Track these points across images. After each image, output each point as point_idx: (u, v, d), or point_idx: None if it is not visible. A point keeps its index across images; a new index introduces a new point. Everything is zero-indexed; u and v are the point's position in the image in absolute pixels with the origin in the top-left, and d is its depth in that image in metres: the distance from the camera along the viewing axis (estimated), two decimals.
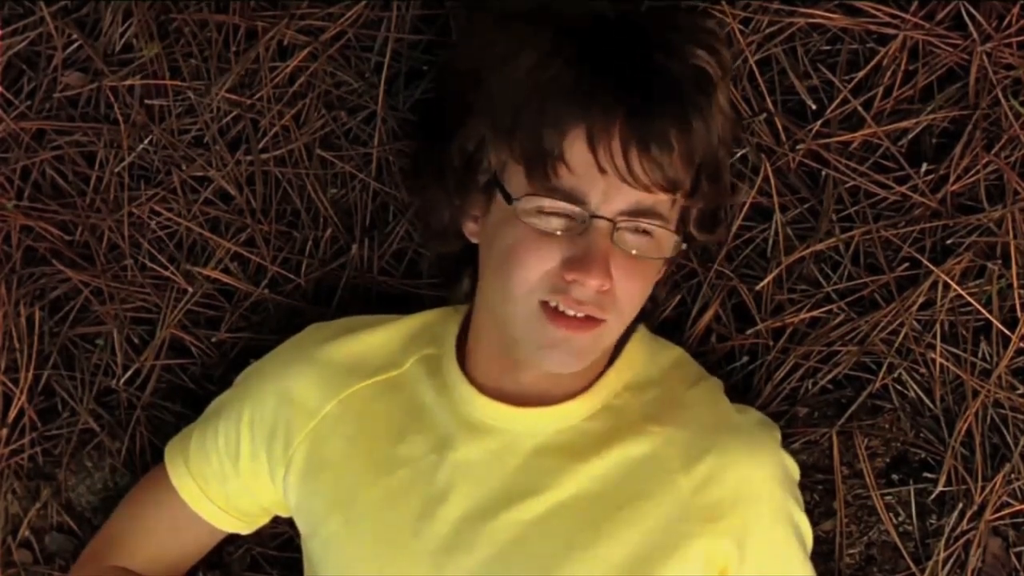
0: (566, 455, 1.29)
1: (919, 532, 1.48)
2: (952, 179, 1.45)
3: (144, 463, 1.54)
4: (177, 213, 1.52)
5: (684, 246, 1.27)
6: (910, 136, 1.47)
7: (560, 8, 1.26)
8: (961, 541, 1.46)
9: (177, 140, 1.51)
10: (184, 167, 1.52)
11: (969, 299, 1.45)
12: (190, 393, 1.54)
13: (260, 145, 1.51)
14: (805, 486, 1.42)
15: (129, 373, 1.54)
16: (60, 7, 1.51)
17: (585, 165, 1.20)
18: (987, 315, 1.45)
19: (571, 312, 1.22)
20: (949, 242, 1.46)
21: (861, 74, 1.46)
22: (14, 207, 1.52)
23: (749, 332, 1.48)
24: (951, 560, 1.46)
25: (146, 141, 1.52)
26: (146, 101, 1.51)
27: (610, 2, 1.28)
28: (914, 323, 1.46)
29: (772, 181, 1.46)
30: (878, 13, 1.44)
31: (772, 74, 1.46)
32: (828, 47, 1.47)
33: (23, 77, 1.52)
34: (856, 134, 1.46)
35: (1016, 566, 1.47)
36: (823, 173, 1.47)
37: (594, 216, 1.20)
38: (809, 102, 1.46)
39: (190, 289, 1.53)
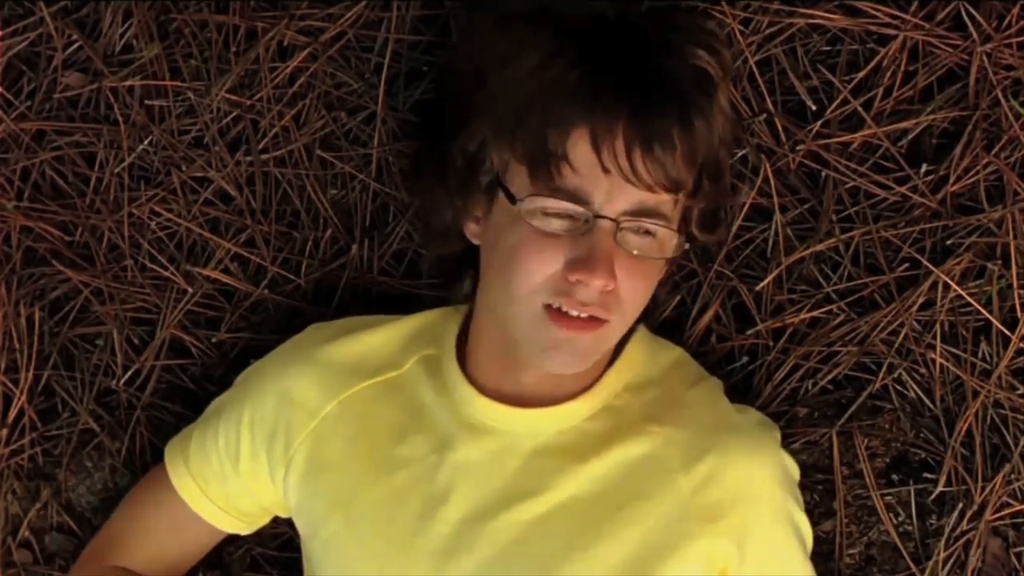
0: (566, 456, 1.29)
1: (919, 532, 1.48)
2: (952, 179, 1.45)
3: (144, 463, 1.54)
4: (177, 214, 1.52)
5: (687, 246, 1.27)
6: (910, 136, 1.47)
7: (561, 8, 1.26)
8: (961, 541, 1.46)
9: (177, 140, 1.51)
10: (184, 167, 1.52)
11: (969, 299, 1.45)
12: (190, 393, 1.54)
13: (260, 145, 1.51)
14: (805, 486, 1.42)
15: (129, 373, 1.54)
16: (60, 7, 1.51)
17: (589, 165, 1.20)
18: (987, 315, 1.45)
19: (574, 313, 1.22)
20: (949, 242, 1.46)
21: (861, 74, 1.46)
22: (14, 207, 1.52)
23: (749, 332, 1.48)
24: (951, 560, 1.46)
25: (146, 141, 1.52)
26: (146, 101, 1.51)
27: (610, 2, 1.28)
28: (914, 323, 1.46)
29: (772, 181, 1.46)
30: (878, 13, 1.44)
31: (772, 74, 1.46)
32: (828, 47, 1.47)
33: (23, 77, 1.52)
34: (856, 134, 1.46)
35: (1016, 566, 1.47)
36: (823, 173, 1.47)
37: (598, 216, 1.20)
38: (809, 102, 1.46)
39: (190, 289, 1.53)
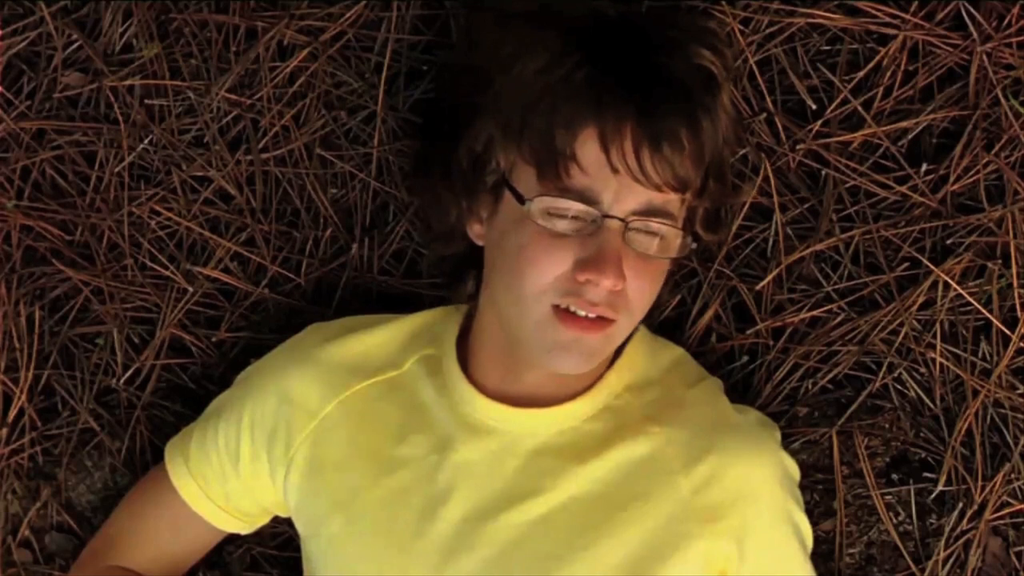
0: (566, 456, 1.29)
1: (919, 532, 1.48)
2: (952, 179, 1.45)
3: (144, 463, 1.54)
4: (177, 213, 1.52)
5: (693, 245, 1.27)
6: (910, 136, 1.47)
7: (564, 8, 1.26)
8: (961, 541, 1.46)
9: (177, 140, 1.51)
10: (184, 167, 1.52)
11: (969, 299, 1.45)
12: (190, 393, 1.54)
13: (260, 145, 1.51)
14: (805, 486, 1.42)
15: (129, 373, 1.54)
16: (60, 7, 1.51)
17: (597, 165, 1.20)
18: (987, 315, 1.45)
19: (582, 313, 1.22)
20: (949, 242, 1.46)
21: (861, 74, 1.46)
22: (14, 207, 1.52)
23: (749, 332, 1.48)
24: (951, 560, 1.46)
25: (146, 141, 1.52)
26: (146, 101, 1.51)
27: (611, 2, 1.28)
28: (914, 323, 1.46)
29: (772, 181, 1.46)
30: (878, 13, 1.44)
31: (772, 74, 1.46)
32: (828, 47, 1.47)
33: (23, 77, 1.52)
34: (856, 134, 1.46)
35: (1016, 566, 1.47)
36: (823, 173, 1.47)
37: (606, 216, 1.20)
38: (809, 102, 1.46)
39: (190, 289, 1.53)
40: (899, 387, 1.48)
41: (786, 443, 1.41)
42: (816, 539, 1.37)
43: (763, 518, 1.29)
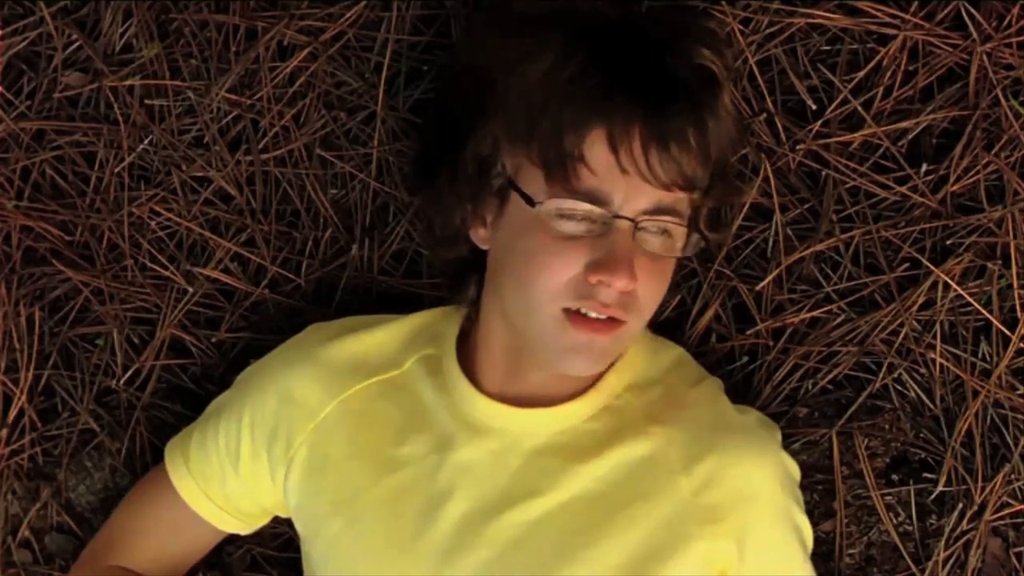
0: (567, 456, 1.29)
1: (919, 532, 1.48)
2: (952, 179, 1.45)
3: (144, 463, 1.54)
4: (177, 213, 1.52)
5: (703, 244, 1.28)
6: (910, 136, 1.47)
7: (566, 9, 1.26)
8: (961, 541, 1.46)
9: (177, 140, 1.51)
10: (184, 167, 1.52)
11: (969, 299, 1.45)
12: (190, 393, 1.54)
13: (260, 145, 1.51)
14: (805, 486, 1.42)
15: (129, 373, 1.54)
16: (60, 7, 1.51)
17: (606, 166, 1.20)
18: (987, 315, 1.45)
19: (593, 315, 1.22)
20: (949, 242, 1.46)
21: (861, 74, 1.46)
22: (14, 207, 1.52)
23: (749, 332, 1.48)
24: (951, 560, 1.46)
25: (146, 141, 1.52)
26: (146, 101, 1.51)
27: (611, 3, 1.28)
28: (914, 323, 1.46)
29: (772, 181, 1.46)
30: (878, 13, 1.44)
31: (772, 74, 1.46)
32: (828, 47, 1.47)
33: (23, 77, 1.52)
34: (856, 134, 1.46)
35: (1016, 566, 1.47)
36: (823, 173, 1.47)
37: (617, 216, 1.20)
38: (809, 102, 1.46)
39: (190, 289, 1.53)
40: (899, 388, 1.48)
41: (786, 444, 1.41)
42: (816, 539, 1.37)
43: (764, 519, 1.28)
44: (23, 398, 1.53)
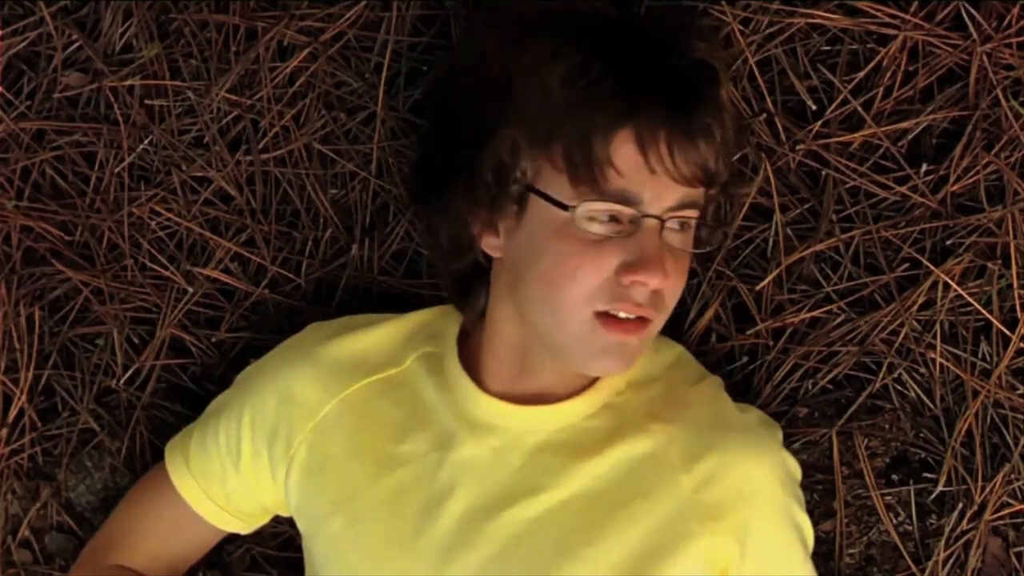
0: (568, 453, 1.29)
1: (919, 532, 1.48)
2: (952, 179, 1.45)
3: (144, 463, 1.54)
4: (177, 213, 1.52)
5: (725, 236, 1.28)
6: (910, 136, 1.47)
7: (571, 11, 1.26)
8: (961, 541, 1.46)
9: (177, 140, 1.51)
10: (184, 167, 1.52)
11: (969, 299, 1.45)
12: (190, 393, 1.54)
13: (260, 145, 1.51)
14: (805, 486, 1.42)
15: (129, 373, 1.54)
16: (60, 7, 1.51)
17: (634, 167, 1.20)
18: (987, 315, 1.45)
19: (624, 315, 1.22)
20: (949, 242, 1.46)
21: (861, 74, 1.46)
22: (14, 207, 1.52)
23: (749, 332, 1.48)
24: (951, 560, 1.46)
25: (146, 141, 1.52)
26: (146, 101, 1.51)
27: (610, 3, 1.28)
28: (914, 323, 1.46)
29: (772, 181, 1.46)
30: (878, 13, 1.44)
31: (772, 74, 1.46)
32: (828, 47, 1.47)
33: (23, 77, 1.52)
34: (856, 134, 1.46)
35: (1016, 566, 1.47)
36: (823, 173, 1.47)
37: (646, 215, 1.21)
38: (809, 102, 1.46)
39: (190, 289, 1.53)
40: (899, 387, 1.48)
41: (786, 443, 1.41)
42: (816, 539, 1.37)
43: (764, 517, 1.28)
44: (23, 398, 1.53)
